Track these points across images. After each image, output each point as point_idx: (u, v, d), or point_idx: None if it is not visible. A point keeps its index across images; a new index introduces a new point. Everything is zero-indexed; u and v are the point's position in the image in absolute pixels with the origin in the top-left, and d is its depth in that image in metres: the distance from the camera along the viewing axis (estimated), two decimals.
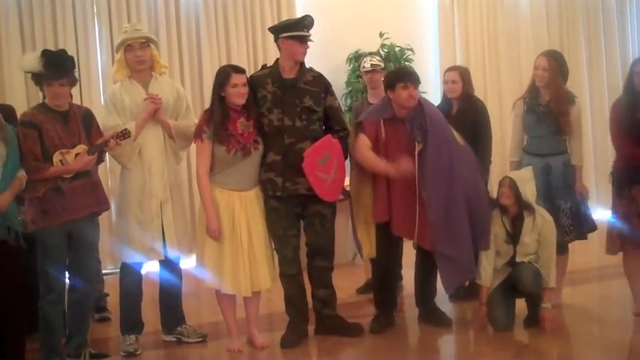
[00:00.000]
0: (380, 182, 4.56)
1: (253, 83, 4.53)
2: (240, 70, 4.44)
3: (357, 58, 7.17)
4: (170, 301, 4.80)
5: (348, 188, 4.92)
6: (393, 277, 4.89)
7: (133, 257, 4.60)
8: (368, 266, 5.24)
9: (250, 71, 7.21)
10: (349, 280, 5.73)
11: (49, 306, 4.24)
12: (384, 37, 7.61)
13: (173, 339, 4.80)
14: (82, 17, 6.90)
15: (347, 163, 4.77)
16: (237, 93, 4.34)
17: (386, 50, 7.55)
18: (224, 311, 4.57)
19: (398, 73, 4.76)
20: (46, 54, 4.25)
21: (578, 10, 8.61)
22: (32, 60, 4.28)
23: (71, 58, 4.35)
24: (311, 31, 4.55)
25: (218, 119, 4.34)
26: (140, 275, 4.71)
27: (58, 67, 4.21)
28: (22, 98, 6.53)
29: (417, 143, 4.52)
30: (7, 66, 6.64)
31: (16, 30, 6.74)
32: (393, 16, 7.88)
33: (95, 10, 6.98)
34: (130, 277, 4.66)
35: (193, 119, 4.70)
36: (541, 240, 4.55)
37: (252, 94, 4.47)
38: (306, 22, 4.51)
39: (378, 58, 5.74)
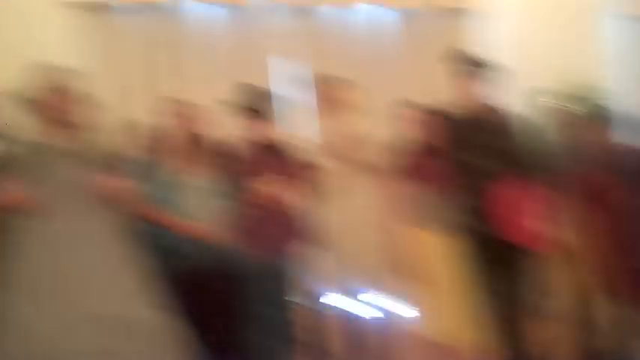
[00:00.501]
0: None
1: (448, 122, 4.54)
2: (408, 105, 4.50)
3: (537, 94, 6.89)
4: None
5: None
6: None
7: None
8: None
9: None
10: None
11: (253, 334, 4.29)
12: (568, 74, 7.32)
13: None
14: None
15: None
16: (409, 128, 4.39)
17: (570, 88, 7.25)
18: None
19: None
20: None
21: None
22: None
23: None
24: None
25: (410, 156, 4.43)
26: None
27: None
28: None
29: None
30: None
31: None
32: (579, 51, 7.57)
33: None
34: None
35: None
36: None
37: (452, 133, 4.47)
38: (465, 57, 4.47)
39: (556, 95, 5.52)
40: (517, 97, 7.14)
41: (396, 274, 4.37)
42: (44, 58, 3.35)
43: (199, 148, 4.18)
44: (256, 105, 4.37)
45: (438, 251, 4.35)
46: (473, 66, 4.40)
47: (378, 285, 4.75)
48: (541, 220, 4.39)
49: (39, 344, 3.14)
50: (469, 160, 4.39)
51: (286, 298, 4.48)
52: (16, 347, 3.16)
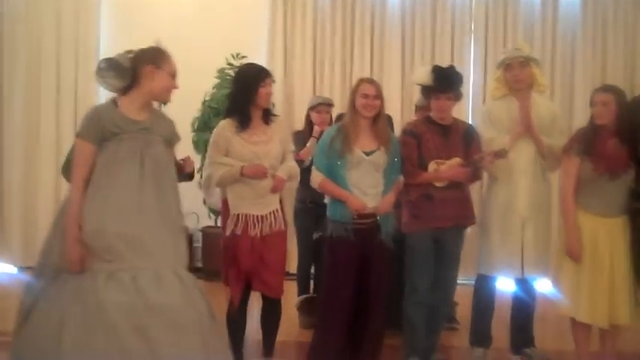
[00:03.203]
0: None
1: None
2: (605, 90, 4.30)
3: None
4: (521, 320, 4.78)
5: None
6: None
7: (490, 270, 4.67)
8: None
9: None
10: None
11: (412, 306, 4.43)
12: None
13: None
14: (460, 34, 7.30)
15: None
16: (598, 112, 4.20)
17: None
18: (577, 341, 4.37)
19: None
20: (437, 69, 4.47)
21: None
22: (424, 74, 4.51)
23: (459, 75, 4.53)
24: None
25: (588, 137, 4.22)
26: (494, 289, 4.75)
27: (446, 81, 4.42)
28: (397, 108, 7.09)
29: None
30: (387, 77, 7.25)
31: (397, 45, 7.35)
32: None
33: (472, 27, 7.33)
34: (484, 289, 4.73)
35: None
36: None
37: None
38: None
39: None
40: None
41: (562, 256, 4.28)
42: None
43: (381, 125, 4.27)
44: (452, 86, 4.43)
45: (607, 236, 4.20)
46: None
47: (544, 267, 4.66)
48: None
49: None
50: None
51: (449, 276, 4.53)
52: None
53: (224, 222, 4.24)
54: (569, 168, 4.28)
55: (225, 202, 4.23)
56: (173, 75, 3.40)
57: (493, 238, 4.64)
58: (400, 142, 4.41)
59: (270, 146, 4.20)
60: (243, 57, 7.01)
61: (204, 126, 6.79)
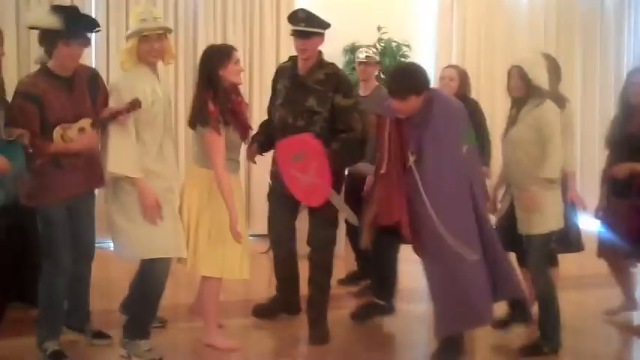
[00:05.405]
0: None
1: (277, 73, 4.62)
2: (236, 48, 4.24)
3: (353, 50, 7.12)
4: None
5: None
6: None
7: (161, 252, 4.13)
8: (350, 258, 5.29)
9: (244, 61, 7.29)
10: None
11: (60, 286, 3.97)
12: (382, 31, 7.61)
13: None
14: None
15: None
16: (238, 70, 4.13)
17: (382, 45, 7.55)
18: (212, 296, 4.26)
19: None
20: (64, 10, 3.81)
21: (576, 17, 8.76)
22: (46, 15, 3.76)
23: (93, 18, 4.00)
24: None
25: (224, 106, 4.07)
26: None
27: (81, 24, 3.80)
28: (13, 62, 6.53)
29: (410, 154, 4.08)
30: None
31: None
32: (392, 11, 7.94)
33: None
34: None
35: None
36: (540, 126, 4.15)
37: (274, 83, 4.57)
38: (298, 16, 4.38)
39: (374, 50, 5.75)
40: (333, 52, 7.34)
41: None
42: None
43: None
44: (86, 28, 3.84)
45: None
46: (308, 25, 4.33)
47: None
48: (321, 178, 4.26)
49: None
50: (275, 111, 4.47)
51: (89, 242, 4.20)
52: None
53: None
54: (219, 145, 4.01)
55: None
56: None
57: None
58: (15, 109, 3.74)
59: None
60: None
61: None
